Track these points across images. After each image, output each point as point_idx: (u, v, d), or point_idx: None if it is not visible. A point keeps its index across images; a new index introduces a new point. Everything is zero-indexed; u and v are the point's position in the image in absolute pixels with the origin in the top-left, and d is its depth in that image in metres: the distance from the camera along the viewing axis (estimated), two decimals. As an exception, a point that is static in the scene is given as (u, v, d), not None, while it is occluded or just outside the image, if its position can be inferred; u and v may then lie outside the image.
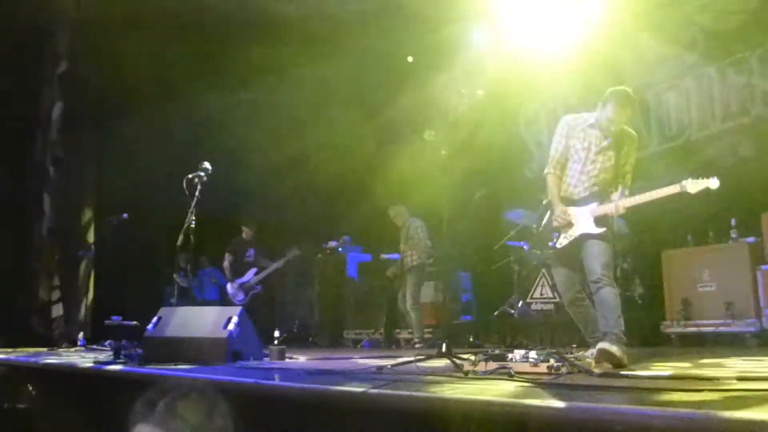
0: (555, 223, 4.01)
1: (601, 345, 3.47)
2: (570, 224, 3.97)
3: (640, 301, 6.60)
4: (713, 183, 3.58)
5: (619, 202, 3.80)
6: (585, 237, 3.88)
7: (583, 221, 3.92)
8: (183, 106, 9.21)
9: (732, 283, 5.59)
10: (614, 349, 3.40)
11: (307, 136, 10.29)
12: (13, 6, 8.12)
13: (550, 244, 4.08)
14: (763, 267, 5.47)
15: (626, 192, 3.91)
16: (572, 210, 3.98)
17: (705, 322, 5.67)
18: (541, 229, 4.18)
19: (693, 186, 3.58)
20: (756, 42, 7.44)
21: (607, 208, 3.84)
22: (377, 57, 8.92)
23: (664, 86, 8.24)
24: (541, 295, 7.23)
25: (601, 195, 3.95)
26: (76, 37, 8.52)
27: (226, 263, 8.42)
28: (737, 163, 7.53)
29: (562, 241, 4.00)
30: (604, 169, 3.97)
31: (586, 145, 4.00)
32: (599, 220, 3.86)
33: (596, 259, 3.77)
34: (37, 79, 8.50)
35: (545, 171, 4.18)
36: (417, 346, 7.19)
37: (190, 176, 5.73)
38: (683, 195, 3.64)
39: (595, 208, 3.90)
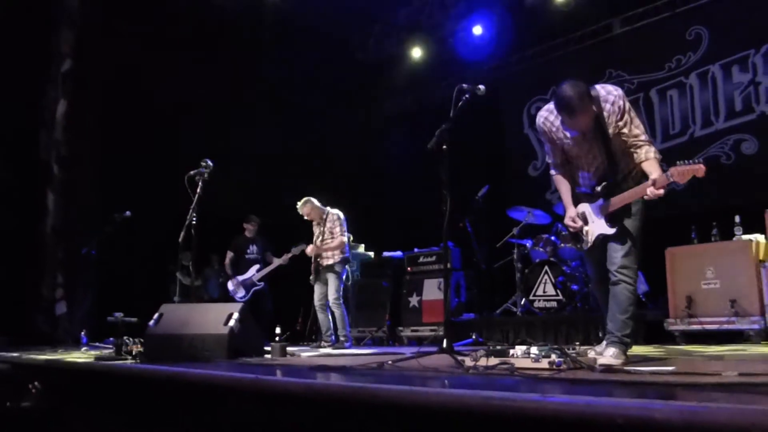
0: (571, 229, 3.67)
1: (600, 360, 3.28)
2: (586, 223, 3.62)
3: (643, 299, 6.60)
4: (699, 170, 3.15)
5: (614, 199, 3.41)
6: (603, 237, 3.53)
7: (597, 220, 3.56)
8: (188, 101, 9.22)
9: (736, 280, 5.55)
10: (610, 360, 3.27)
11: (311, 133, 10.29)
12: (18, 4, 8.15)
13: (581, 245, 3.71)
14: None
15: (658, 155, 3.34)
16: (585, 208, 3.63)
17: (709, 319, 5.64)
18: (565, 233, 3.87)
19: (680, 175, 3.16)
20: (760, 40, 7.42)
21: (615, 204, 3.44)
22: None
23: (668, 84, 8.22)
24: (544, 292, 7.21)
25: (610, 186, 3.49)
26: (81, 35, 8.54)
27: (227, 260, 8.45)
28: (741, 160, 7.52)
29: (588, 243, 3.64)
30: (596, 156, 3.50)
31: (569, 136, 3.51)
32: (611, 218, 3.48)
33: (616, 252, 3.44)
34: (42, 78, 8.53)
35: (551, 172, 3.82)
36: (333, 345, 6.79)
37: (191, 173, 5.72)
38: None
39: (602, 206, 3.52)
